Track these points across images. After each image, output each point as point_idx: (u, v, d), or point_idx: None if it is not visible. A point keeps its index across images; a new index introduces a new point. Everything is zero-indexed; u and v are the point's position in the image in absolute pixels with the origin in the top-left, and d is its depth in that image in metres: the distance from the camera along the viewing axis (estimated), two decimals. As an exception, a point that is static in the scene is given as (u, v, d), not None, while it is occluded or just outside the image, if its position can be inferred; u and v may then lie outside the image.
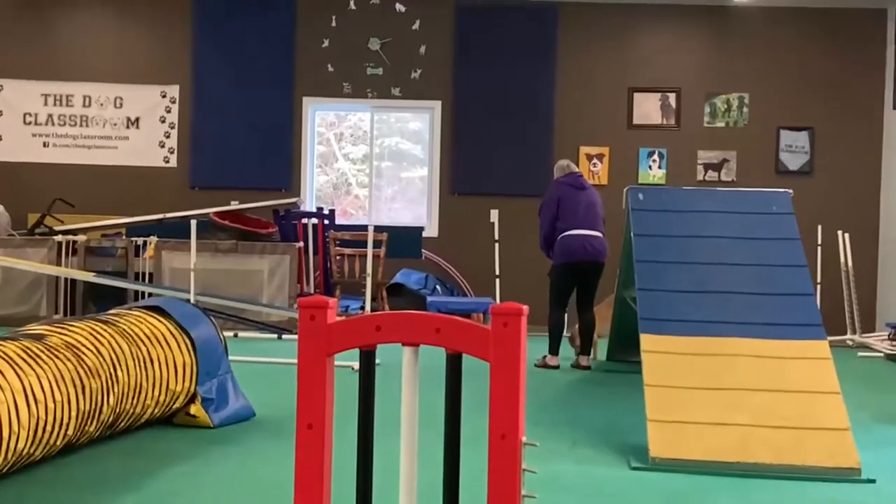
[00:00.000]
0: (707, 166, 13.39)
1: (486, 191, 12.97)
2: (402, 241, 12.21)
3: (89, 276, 11.46)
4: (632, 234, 7.26)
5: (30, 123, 13.17)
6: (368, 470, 2.81)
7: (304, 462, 2.79)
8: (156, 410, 6.41)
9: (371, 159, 13.87)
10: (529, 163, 13.10)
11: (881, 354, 11.45)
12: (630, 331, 8.09)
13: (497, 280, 12.42)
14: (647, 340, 6.40)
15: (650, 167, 13.21)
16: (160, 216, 12.57)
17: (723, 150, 13.43)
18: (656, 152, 13.21)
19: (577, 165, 13.23)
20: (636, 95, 13.25)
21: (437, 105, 13.20)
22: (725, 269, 6.87)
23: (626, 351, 9.53)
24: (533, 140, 13.12)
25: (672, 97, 13.30)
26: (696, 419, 5.89)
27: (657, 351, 6.33)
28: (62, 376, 5.35)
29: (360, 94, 13.19)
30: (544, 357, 9.75)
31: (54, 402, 5.22)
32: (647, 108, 13.25)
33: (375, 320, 2.83)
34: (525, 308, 2.73)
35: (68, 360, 5.48)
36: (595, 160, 13.16)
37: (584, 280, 9.77)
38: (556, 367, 9.64)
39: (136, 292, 11.58)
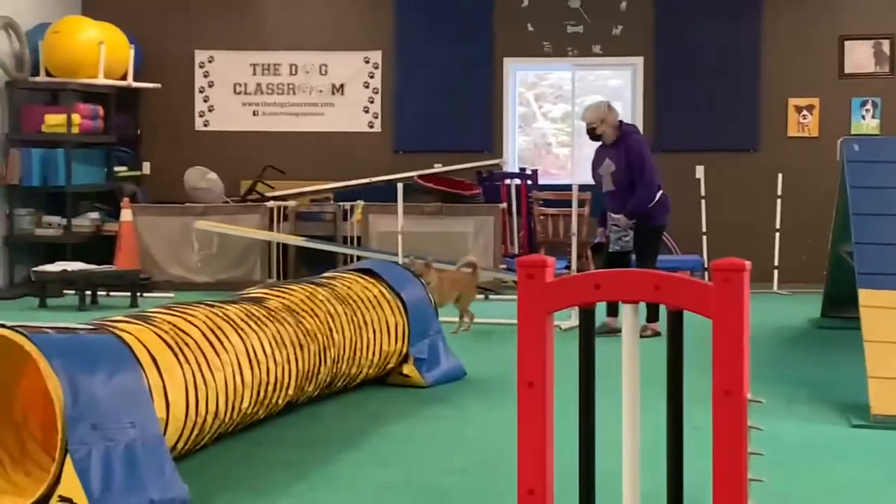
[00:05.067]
0: (924, 114, 12.82)
1: (690, 147, 12.70)
2: (605, 200, 12.12)
3: (300, 241, 11.75)
4: (848, 187, 7.03)
5: (240, 93, 13.52)
6: (591, 428, 2.81)
7: (526, 420, 2.80)
8: (370, 371, 6.55)
9: (572, 118, 13.78)
10: (735, 117, 12.77)
11: None
12: (845, 286, 7.85)
13: (704, 237, 12.21)
14: (865, 295, 6.21)
15: (863, 117, 12.72)
16: (366, 180, 12.75)
17: (941, 97, 12.84)
18: (869, 101, 12.72)
19: (787, 118, 12.88)
20: (847, 44, 12.77)
21: (639, 61, 12.99)
22: (949, 220, 6.60)
23: (841, 307, 9.25)
24: (738, 93, 12.78)
25: (886, 44, 12.77)
26: (920, 376, 5.69)
27: (877, 306, 6.14)
28: (282, 338, 5.52)
29: (560, 52, 13.08)
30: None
31: (275, 363, 5.39)
32: (860, 57, 12.76)
33: (594, 278, 2.82)
34: (748, 264, 2.68)
35: (288, 322, 5.65)
36: (805, 112, 12.76)
37: None
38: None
39: (345, 255, 11.82)
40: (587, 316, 2.85)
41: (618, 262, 8.74)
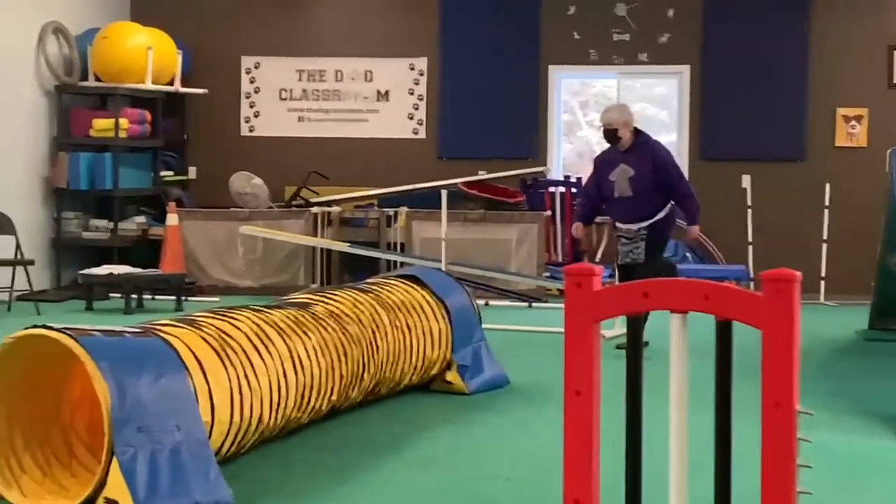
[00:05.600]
0: (974, 125, 12.67)
1: (736, 156, 12.60)
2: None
3: (344, 247, 11.78)
4: (897, 198, 6.97)
5: (285, 99, 13.58)
6: (638, 438, 2.79)
7: (573, 429, 2.79)
8: (413, 377, 6.55)
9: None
10: (782, 126, 12.67)
11: None
12: (893, 297, 7.78)
13: (750, 247, 12.12)
14: (914, 308, 6.14)
15: (913, 128, 12.62)
16: (410, 187, 12.77)
17: None
18: (919, 112, 12.61)
19: (835, 127, 12.77)
20: (896, 53, 12.68)
21: (685, 69, 12.91)
22: None
23: (889, 319, 9.16)
24: (786, 102, 12.69)
25: (936, 53, 12.66)
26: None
27: (926, 319, 6.07)
28: (326, 344, 5.53)
29: (606, 60, 13.03)
30: None
31: (319, 368, 5.41)
32: (909, 66, 12.65)
33: (643, 287, 2.80)
34: (798, 275, 2.65)
35: (332, 328, 5.66)
36: (853, 122, 12.65)
37: None
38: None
39: (389, 261, 11.83)
40: (635, 325, 2.84)
41: (629, 275, 8.21)
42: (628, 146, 8.43)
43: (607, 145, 8.68)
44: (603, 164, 8.60)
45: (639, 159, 8.37)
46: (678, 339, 2.80)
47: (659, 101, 14.15)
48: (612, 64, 13.10)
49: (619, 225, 8.51)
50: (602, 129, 8.61)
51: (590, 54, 13.05)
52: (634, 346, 2.84)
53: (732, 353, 2.73)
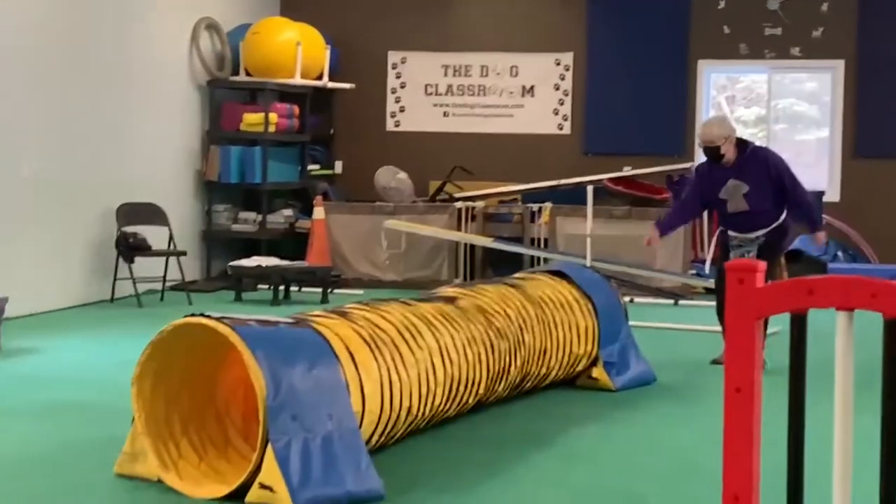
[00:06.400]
0: None
1: (892, 153, 12.29)
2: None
3: (488, 242, 11.79)
4: None
5: (431, 94, 13.66)
6: (800, 435, 2.73)
7: (733, 425, 2.74)
8: (559, 372, 6.53)
9: (768, 122, 13.48)
10: (941, 121, 12.32)
11: None
12: None
13: (905, 246, 11.80)
14: None
15: None
16: (554, 182, 12.71)
17: None
18: None
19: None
20: None
21: (839, 64, 12.60)
22: None
23: None
24: (945, 97, 12.33)
25: None
26: None
27: None
28: (474, 337, 5.54)
29: (756, 55, 12.78)
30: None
31: (467, 361, 5.42)
32: None
33: (807, 284, 2.73)
34: (973, 272, 2.56)
35: (479, 322, 5.67)
36: None
37: None
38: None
39: (532, 258, 11.80)
40: (799, 322, 2.77)
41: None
42: (734, 161, 7.56)
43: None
44: (707, 180, 7.73)
45: (752, 172, 7.54)
46: (844, 337, 2.73)
47: (808, 97, 13.84)
48: (763, 58, 12.86)
49: (732, 234, 7.70)
50: (702, 147, 7.68)
51: (740, 49, 12.83)
52: (798, 344, 2.77)
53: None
